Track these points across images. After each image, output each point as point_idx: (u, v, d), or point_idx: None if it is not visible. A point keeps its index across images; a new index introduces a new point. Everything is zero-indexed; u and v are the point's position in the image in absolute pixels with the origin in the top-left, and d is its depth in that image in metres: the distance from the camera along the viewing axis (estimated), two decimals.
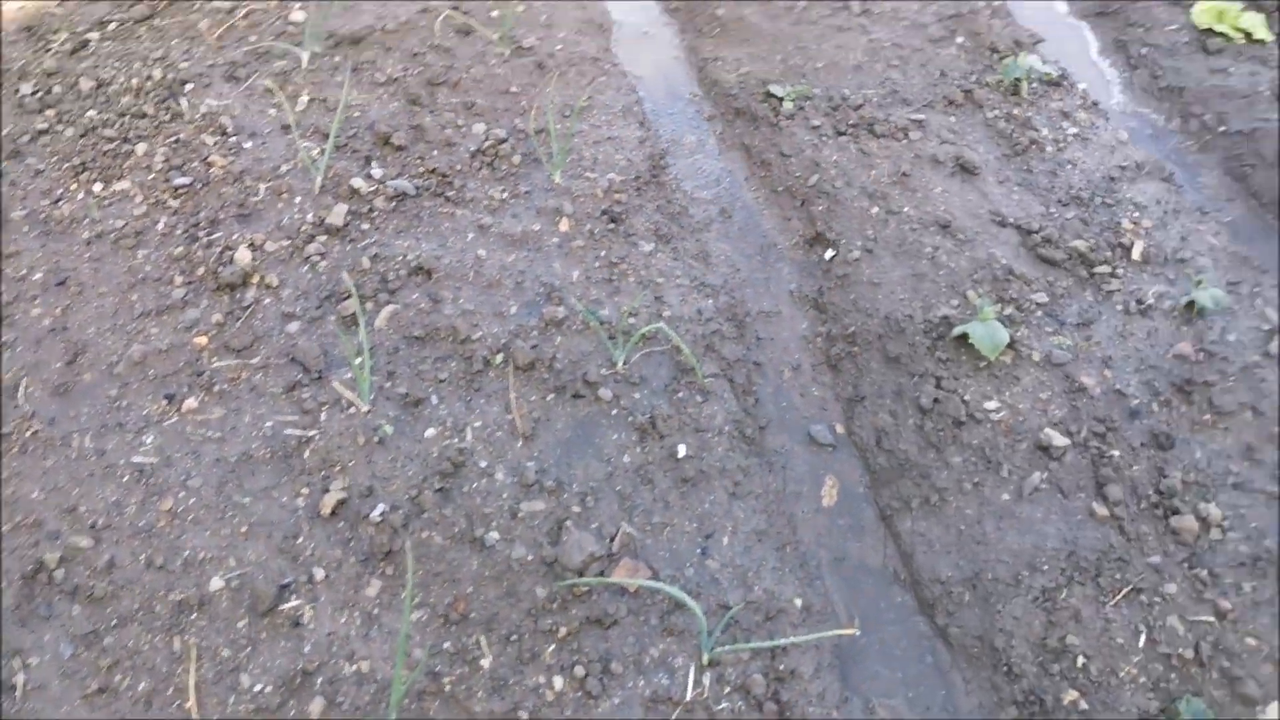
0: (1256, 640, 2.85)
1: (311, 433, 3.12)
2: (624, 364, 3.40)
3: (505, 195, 3.96)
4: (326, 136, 4.02)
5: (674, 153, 4.46)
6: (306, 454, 3.07)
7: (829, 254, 3.97)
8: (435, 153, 4.09)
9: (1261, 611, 2.91)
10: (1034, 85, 4.72)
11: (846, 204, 4.09)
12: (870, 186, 4.15)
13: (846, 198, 4.11)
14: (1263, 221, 4.29)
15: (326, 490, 2.98)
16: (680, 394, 3.38)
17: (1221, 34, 5.17)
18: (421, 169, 4.00)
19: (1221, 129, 4.66)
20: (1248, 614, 2.90)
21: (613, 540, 2.95)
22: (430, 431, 3.16)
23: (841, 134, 4.41)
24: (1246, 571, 3.00)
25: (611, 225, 3.90)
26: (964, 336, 3.49)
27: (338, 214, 3.72)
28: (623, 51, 5.01)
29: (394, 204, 3.84)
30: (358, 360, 3.22)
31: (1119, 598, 2.94)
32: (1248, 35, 5.16)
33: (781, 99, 4.56)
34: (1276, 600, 2.93)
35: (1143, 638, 2.86)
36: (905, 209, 4.04)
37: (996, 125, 4.50)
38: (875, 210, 4.05)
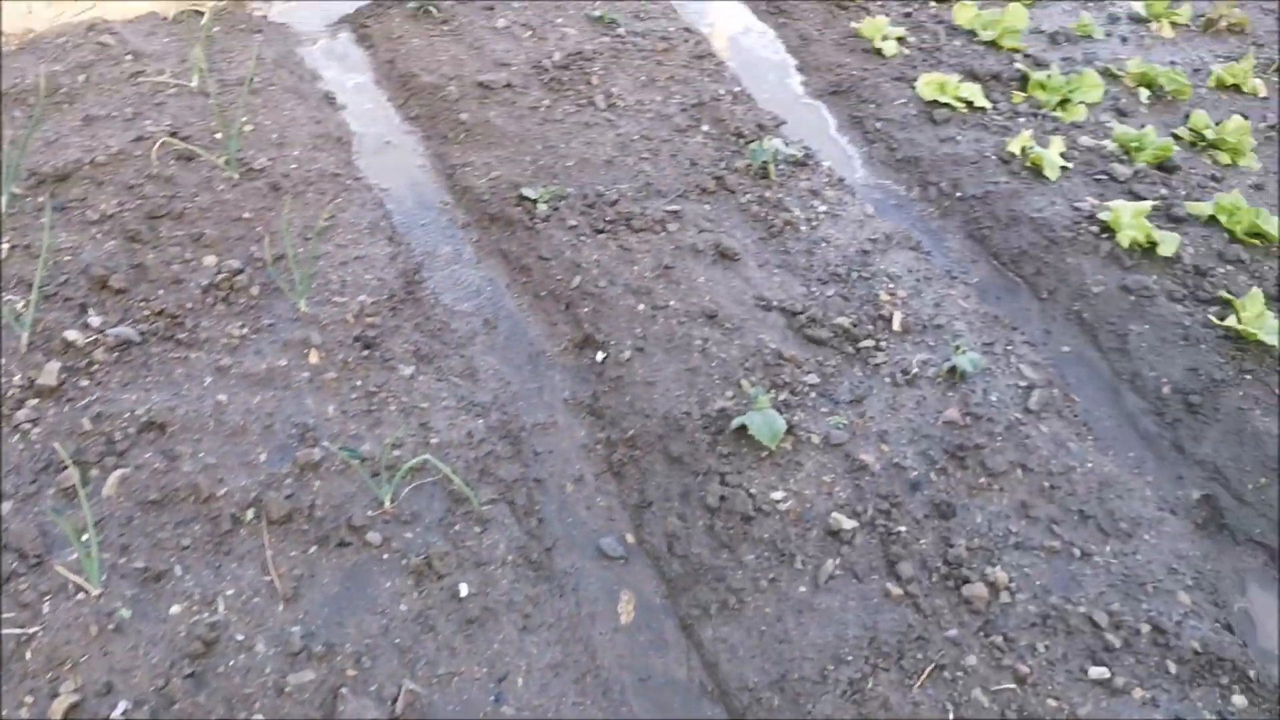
0: (1057, 700, 2.85)
1: (33, 629, 2.71)
2: (392, 502, 3.15)
3: (245, 331, 3.65)
4: (32, 286, 3.60)
5: (429, 266, 4.27)
6: (29, 655, 2.66)
7: (600, 356, 3.86)
8: (161, 292, 3.75)
9: (1058, 670, 2.93)
10: (781, 167, 4.82)
11: (612, 303, 4.01)
12: (634, 283, 4.08)
13: (611, 296, 4.03)
14: (1006, 279, 4.49)
15: (55, 695, 2.59)
16: (457, 527, 3.15)
17: (946, 105, 5.47)
18: (147, 311, 3.64)
19: (958, 195, 4.90)
20: (1045, 675, 2.91)
21: (395, 702, 2.69)
22: (175, 609, 2.81)
23: (600, 231, 4.34)
24: (1039, 631, 3.02)
25: (366, 351, 3.65)
26: (743, 428, 3.43)
27: (50, 372, 3.31)
28: (365, 164, 4.81)
29: (117, 354, 3.47)
30: (83, 538, 2.84)
31: (923, 678, 2.90)
32: (969, 104, 5.49)
33: (535, 200, 4.46)
34: (1070, 657, 2.95)
35: (951, 715, 2.82)
36: (671, 302, 3.99)
37: (750, 209, 4.55)
38: (642, 307, 3.98)
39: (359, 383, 3.53)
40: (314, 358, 3.59)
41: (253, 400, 3.40)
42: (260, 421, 3.34)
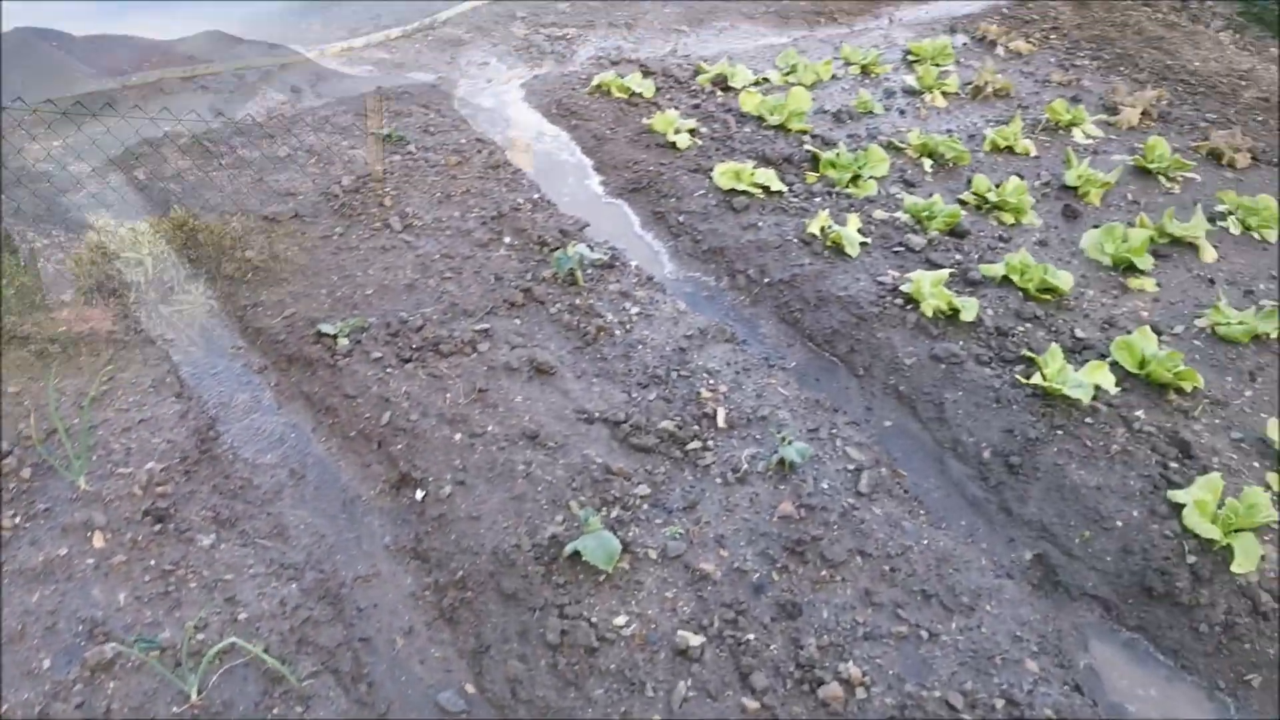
0: None
1: None
2: (200, 693, 2.84)
3: (17, 521, 3.29)
4: None
5: (225, 419, 3.97)
6: None
7: (419, 495, 3.64)
8: None
9: None
10: (589, 271, 4.75)
11: (427, 436, 3.81)
12: (448, 412, 3.90)
13: (425, 429, 3.83)
14: (822, 360, 4.52)
15: None
16: (275, 710, 2.86)
17: (744, 192, 5.55)
18: None
19: (766, 281, 4.93)
20: None
21: None
22: None
23: (407, 361, 4.15)
24: None
25: (158, 525, 3.33)
26: (577, 554, 3.27)
27: None
28: (145, 315, 4.47)
29: None
30: None
31: None
32: (766, 189, 5.59)
33: (335, 335, 4.23)
34: None
35: None
36: (489, 428, 3.83)
37: (562, 319, 4.45)
38: (459, 437, 3.80)
39: (152, 562, 3.21)
40: (99, 540, 3.25)
41: (30, 599, 3.04)
42: (41, 622, 2.98)
